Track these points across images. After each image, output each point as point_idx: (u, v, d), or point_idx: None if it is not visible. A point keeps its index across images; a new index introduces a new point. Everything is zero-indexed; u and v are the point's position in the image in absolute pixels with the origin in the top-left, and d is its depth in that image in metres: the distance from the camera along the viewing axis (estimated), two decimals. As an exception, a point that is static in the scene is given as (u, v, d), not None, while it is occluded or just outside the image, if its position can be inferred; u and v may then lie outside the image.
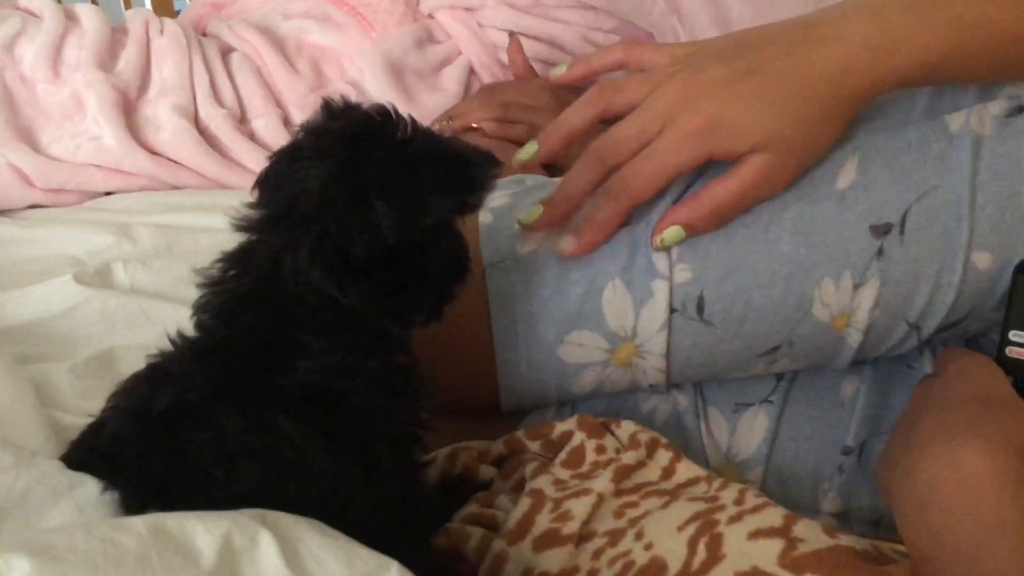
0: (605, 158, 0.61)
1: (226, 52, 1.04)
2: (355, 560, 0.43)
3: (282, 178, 0.51)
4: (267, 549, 0.42)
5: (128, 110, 0.96)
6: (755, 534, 0.52)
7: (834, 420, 0.69)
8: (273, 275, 0.50)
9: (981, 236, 0.60)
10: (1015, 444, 0.49)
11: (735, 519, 0.53)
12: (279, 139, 0.98)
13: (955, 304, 0.62)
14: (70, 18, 1.01)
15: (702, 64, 0.60)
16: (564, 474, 0.60)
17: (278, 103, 1.00)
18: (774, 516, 0.53)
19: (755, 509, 0.54)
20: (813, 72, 0.57)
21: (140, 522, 0.41)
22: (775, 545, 0.50)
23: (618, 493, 0.58)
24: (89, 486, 0.47)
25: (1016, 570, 0.45)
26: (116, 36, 1.02)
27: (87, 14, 1.01)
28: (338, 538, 0.44)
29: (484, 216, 0.68)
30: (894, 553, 0.53)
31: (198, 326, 0.53)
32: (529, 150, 0.65)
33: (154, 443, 0.49)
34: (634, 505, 0.57)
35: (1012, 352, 0.59)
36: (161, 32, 1.03)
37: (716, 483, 0.59)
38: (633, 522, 0.55)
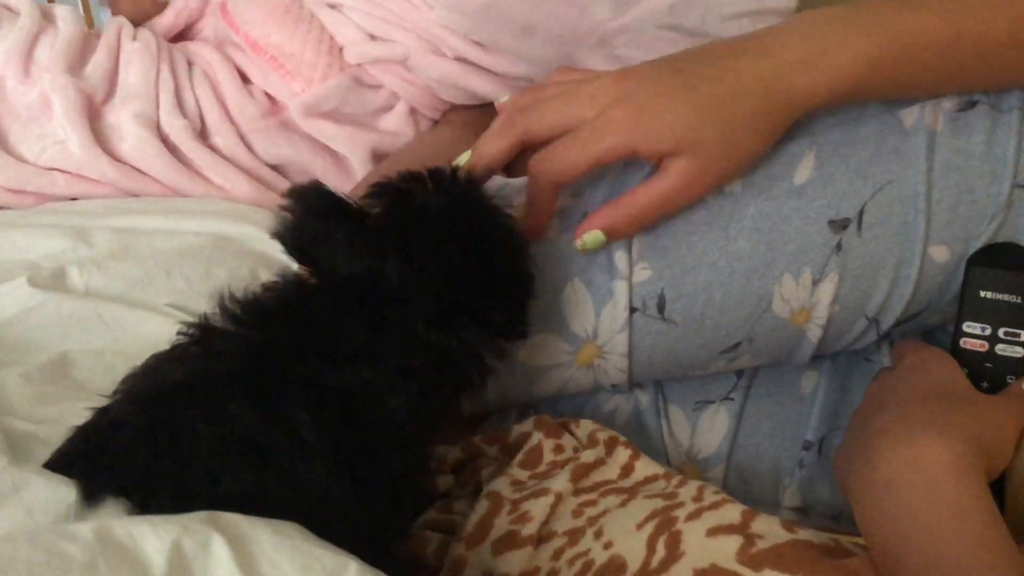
0: (516, 118, 0.61)
1: (191, 64, 1.03)
2: (312, 563, 0.42)
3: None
4: (219, 554, 0.41)
5: (93, 116, 0.95)
6: (714, 531, 0.52)
7: (794, 415, 0.70)
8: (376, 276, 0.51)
9: (938, 230, 0.60)
10: (969, 435, 0.50)
11: (693, 516, 0.53)
12: (240, 156, 0.97)
13: (913, 297, 0.62)
14: (46, 18, 1.00)
15: (633, 68, 0.60)
16: (522, 475, 0.60)
17: (232, 122, 0.98)
18: (732, 513, 0.53)
19: (713, 506, 0.54)
20: (739, 79, 0.56)
21: (87, 529, 0.40)
22: (733, 542, 0.50)
23: (576, 492, 0.58)
24: (37, 486, 0.46)
25: (975, 557, 0.46)
26: (89, 40, 1.01)
27: (63, 15, 1.00)
28: (294, 538, 0.43)
29: None
30: (853, 546, 0.53)
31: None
32: (463, 157, 0.64)
33: (150, 427, 0.47)
34: (593, 504, 0.57)
35: (966, 343, 0.59)
36: (134, 38, 1.02)
37: (675, 480, 0.59)
38: (592, 521, 0.55)
